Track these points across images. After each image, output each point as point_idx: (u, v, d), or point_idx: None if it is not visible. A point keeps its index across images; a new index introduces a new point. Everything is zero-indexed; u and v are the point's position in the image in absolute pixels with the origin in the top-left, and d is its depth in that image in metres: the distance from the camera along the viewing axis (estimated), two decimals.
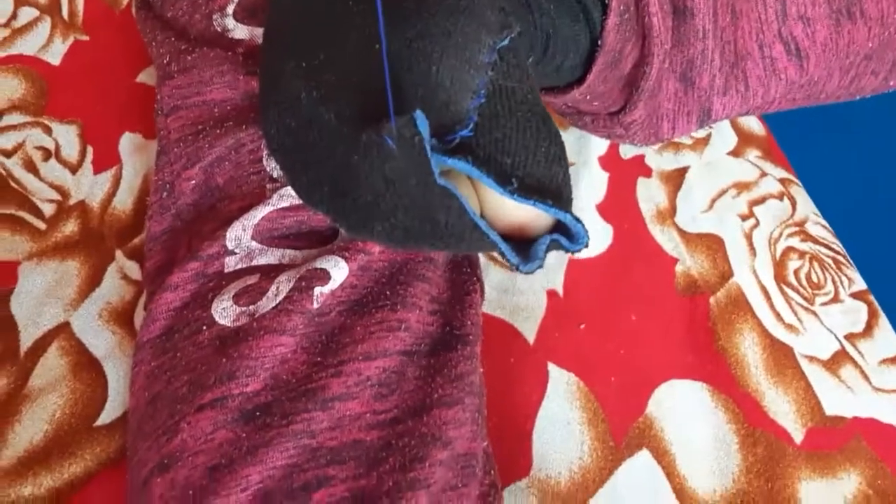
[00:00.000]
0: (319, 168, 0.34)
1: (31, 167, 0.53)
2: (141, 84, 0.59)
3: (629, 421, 0.47)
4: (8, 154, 0.53)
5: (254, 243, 0.41)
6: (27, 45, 0.59)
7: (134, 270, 0.49)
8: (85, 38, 0.61)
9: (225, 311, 0.38)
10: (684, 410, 0.48)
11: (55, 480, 0.42)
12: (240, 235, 0.41)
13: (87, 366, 0.45)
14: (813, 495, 0.45)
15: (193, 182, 0.44)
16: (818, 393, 0.50)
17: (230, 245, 0.41)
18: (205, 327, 0.38)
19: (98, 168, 0.54)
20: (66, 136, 0.55)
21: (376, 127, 0.27)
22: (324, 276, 0.39)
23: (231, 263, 0.40)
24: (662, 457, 0.46)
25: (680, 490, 0.45)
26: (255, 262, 0.41)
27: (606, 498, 0.44)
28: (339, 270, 0.39)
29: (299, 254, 0.41)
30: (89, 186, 0.53)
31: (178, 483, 0.34)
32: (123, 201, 0.53)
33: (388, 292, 0.40)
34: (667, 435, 0.47)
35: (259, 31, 0.47)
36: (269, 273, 0.40)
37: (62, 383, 0.44)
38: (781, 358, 0.51)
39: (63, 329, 0.46)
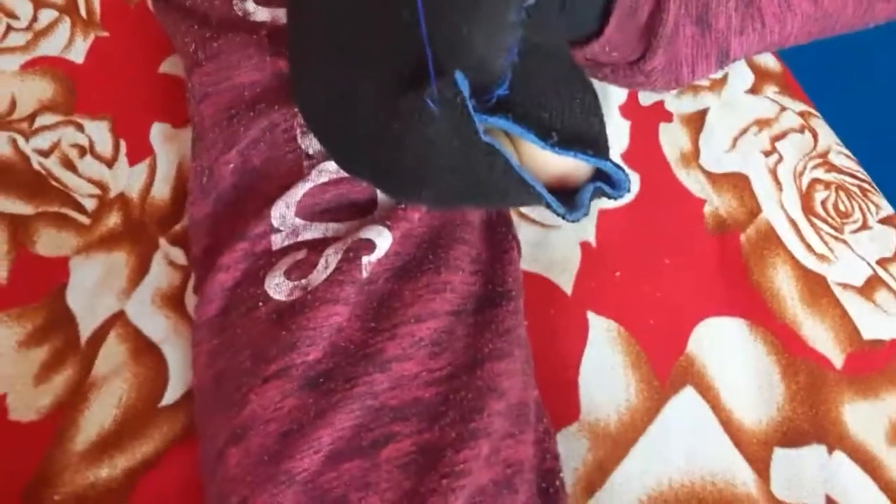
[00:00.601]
0: (360, 140, 0.35)
1: (69, 165, 0.55)
2: (163, 74, 0.60)
3: (671, 360, 0.49)
4: (45, 154, 0.55)
5: (297, 219, 0.42)
6: (51, 47, 0.60)
7: (179, 256, 0.51)
8: (105, 34, 0.62)
9: (279, 287, 0.40)
10: (724, 346, 0.49)
11: (129, 461, 0.44)
12: (284, 213, 0.42)
13: (145, 350, 0.47)
14: (857, 417, 0.47)
15: (232, 166, 0.45)
16: (854, 318, 0.51)
17: (275, 223, 0.42)
18: (261, 303, 0.40)
19: (133, 160, 0.55)
20: (98, 132, 0.57)
21: (416, 91, 0.28)
22: (369, 246, 0.40)
23: (278, 241, 0.42)
24: (707, 392, 0.47)
25: (727, 422, 0.46)
26: (300, 238, 0.42)
27: (656, 435, 0.46)
28: (383, 239, 0.40)
29: (342, 226, 0.42)
30: (127, 179, 0.54)
31: (253, 450, 0.36)
32: (161, 190, 0.54)
33: (430, 256, 0.42)
34: (709, 371, 0.48)
35: (280, 13, 0.48)
36: (316, 247, 0.41)
37: (125, 369, 0.46)
38: (815, 287, 0.52)
39: (119, 317, 0.48)
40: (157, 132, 0.57)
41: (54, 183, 0.54)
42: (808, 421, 0.46)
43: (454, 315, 0.41)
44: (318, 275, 0.39)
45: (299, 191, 0.42)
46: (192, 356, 0.42)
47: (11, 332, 0.48)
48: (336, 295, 0.38)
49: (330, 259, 0.40)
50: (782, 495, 0.44)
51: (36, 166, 0.54)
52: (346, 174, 0.43)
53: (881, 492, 0.45)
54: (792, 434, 0.46)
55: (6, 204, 0.52)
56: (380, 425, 0.37)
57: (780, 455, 0.45)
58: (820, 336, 0.50)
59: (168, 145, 0.56)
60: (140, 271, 0.50)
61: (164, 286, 0.50)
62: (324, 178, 0.43)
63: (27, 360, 0.47)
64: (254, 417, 0.36)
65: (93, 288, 0.50)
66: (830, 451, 0.45)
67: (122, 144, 0.56)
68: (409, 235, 0.42)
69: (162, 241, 0.52)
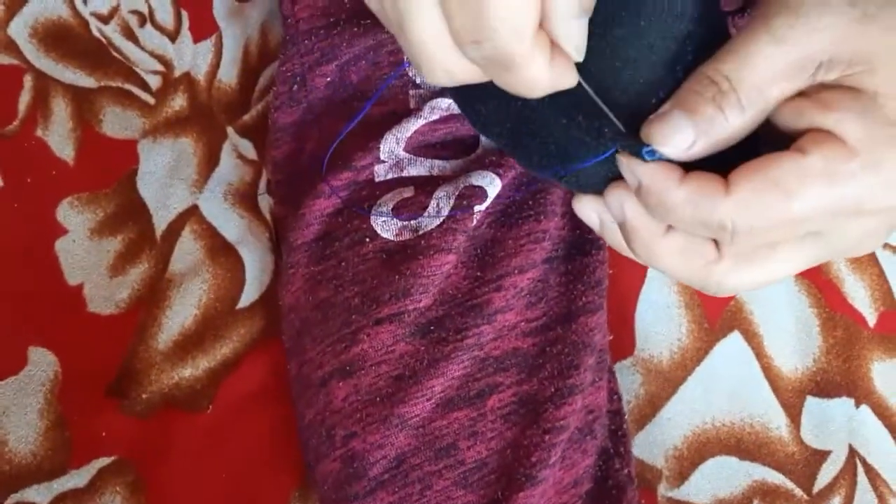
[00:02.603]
0: (504, 111, 0.35)
1: (129, 34, 0.52)
2: None
3: (722, 305, 0.51)
4: (105, 20, 0.52)
5: (402, 153, 0.42)
6: None
7: (249, 149, 0.50)
8: None
9: (386, 225, 0.40)
10: (771, 295, 0.52)
11: (210, 361, 0.45)
12: (393, 148, 0.41)
13: (222, 250, 0.47)
14: (884, 375, 0.51)
15: (328, 79, 0.44)
16: (890, 278, 0.54)
17: (383, 156, 0.41)
18: (367, 239, 0.40)
19: (197, 36, 0.53)
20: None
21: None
22: (481, 194, 0.40)
23: (381, 172, 0.41)
24: (752, 338, 0.50)
25: (767, 368, 0.50)
26: (405, 173, 0.41)
27: (704, 374, 0.49)
28: (494, 188, 0.40)
29: (448, 164, 0.42)
30: (192, 57, 0.52)
31: (363, 388, 0.38)
32: (228, 73, 0.52)
33: (530, 202, 0.42)
34: (756, 318, 0.51)
35: None
36: (423, 185, 0.41)
37: (202, 268, 0.47)
38: None
39: (193, 212, 0.48)
40: (221, 5, 0.54)
41: (115, 54, 0.51)
42: (841, 374, 0.50)
43: (548, 263, 0.42)
44: (430, 220, 0.40)
45: (411, 127, 0.41)
46: (284, 275, 0.43)
47: (83, 219, 0.47)
48: (449, 243, 0.39)
49: (441, 203, 0.40)
50: (810, 440, 0.48)
51: (95, 33, 0.51)
52: (457, 111, 0.42)
53: None
54: (824, 385, 0.50)
55: (67, 73, 0.50)
56: (485, 375, 0.38)
57: (812, 403, 0.49)
58: (858, 293, 0.53)
59: (233, 22, 0.53)
60: (210, 162, 0.50)
61: (235, 181, 0.49)
62: (435, 116, 0.42)
63: (101, 249, 0.47)
64: (365, 357, 0.38)
65: (163, 177, 0.49)
66: (857, 404, 0.50)
67: (185, 16, 0.53)
68: (512, 179, 0.42)
69: (230, 131, 0.50)
